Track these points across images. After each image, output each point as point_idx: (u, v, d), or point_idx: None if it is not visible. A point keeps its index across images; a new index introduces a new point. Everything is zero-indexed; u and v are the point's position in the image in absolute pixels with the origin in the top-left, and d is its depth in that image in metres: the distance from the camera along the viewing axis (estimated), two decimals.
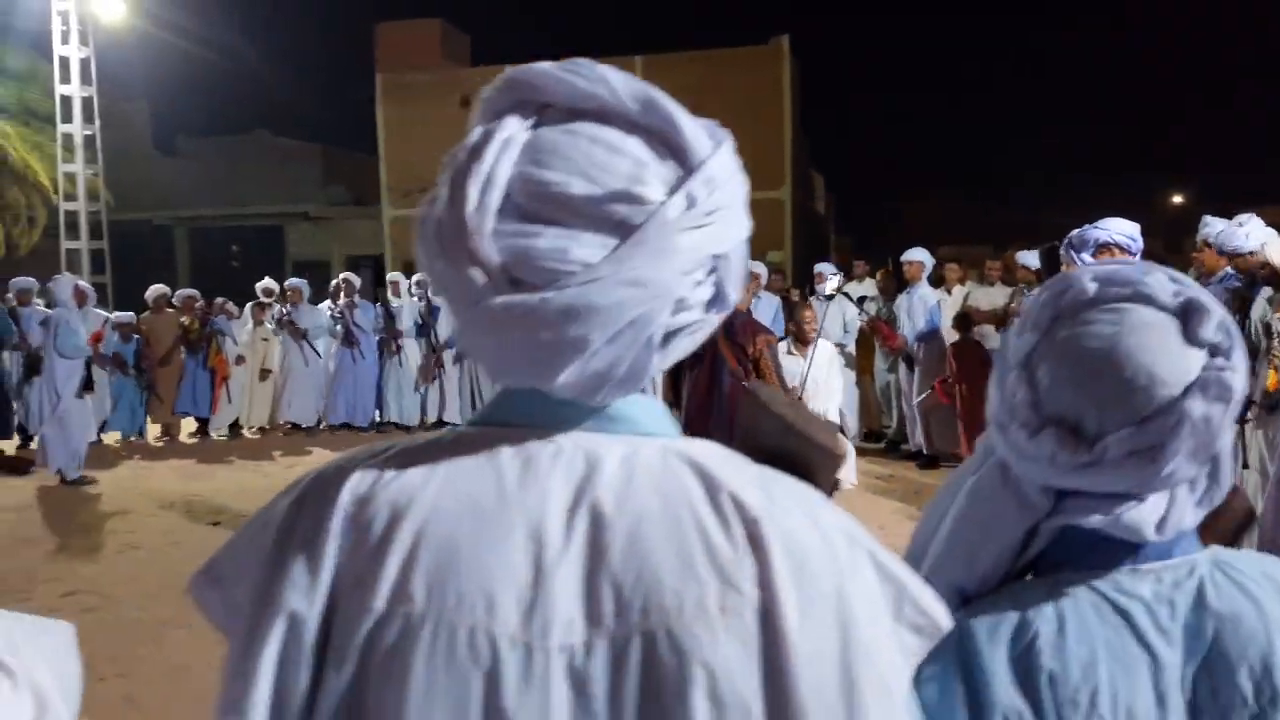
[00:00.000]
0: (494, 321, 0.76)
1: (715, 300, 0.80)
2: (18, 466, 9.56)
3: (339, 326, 11.42)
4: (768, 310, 10.24)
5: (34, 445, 10.67)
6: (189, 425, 11.63)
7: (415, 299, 11.61)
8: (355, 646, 0.75)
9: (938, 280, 10.09)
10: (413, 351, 11.50)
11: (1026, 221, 26.78)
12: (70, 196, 16.95)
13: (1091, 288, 1.03)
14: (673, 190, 0.76)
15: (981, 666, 0.98)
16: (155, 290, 11.32)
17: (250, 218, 26.54)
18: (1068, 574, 1.04)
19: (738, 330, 5.36)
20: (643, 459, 0.79)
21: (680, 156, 0.78)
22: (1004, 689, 0.97)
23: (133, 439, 11.28)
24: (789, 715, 0.72)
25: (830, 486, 0.90)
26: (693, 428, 5.67)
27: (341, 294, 11.62)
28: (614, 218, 0.75)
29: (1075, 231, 4.41)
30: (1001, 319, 8.54)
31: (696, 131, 0.79)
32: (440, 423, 11.39)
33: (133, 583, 5.96)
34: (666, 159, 0.78)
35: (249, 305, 11.84)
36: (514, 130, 0.78)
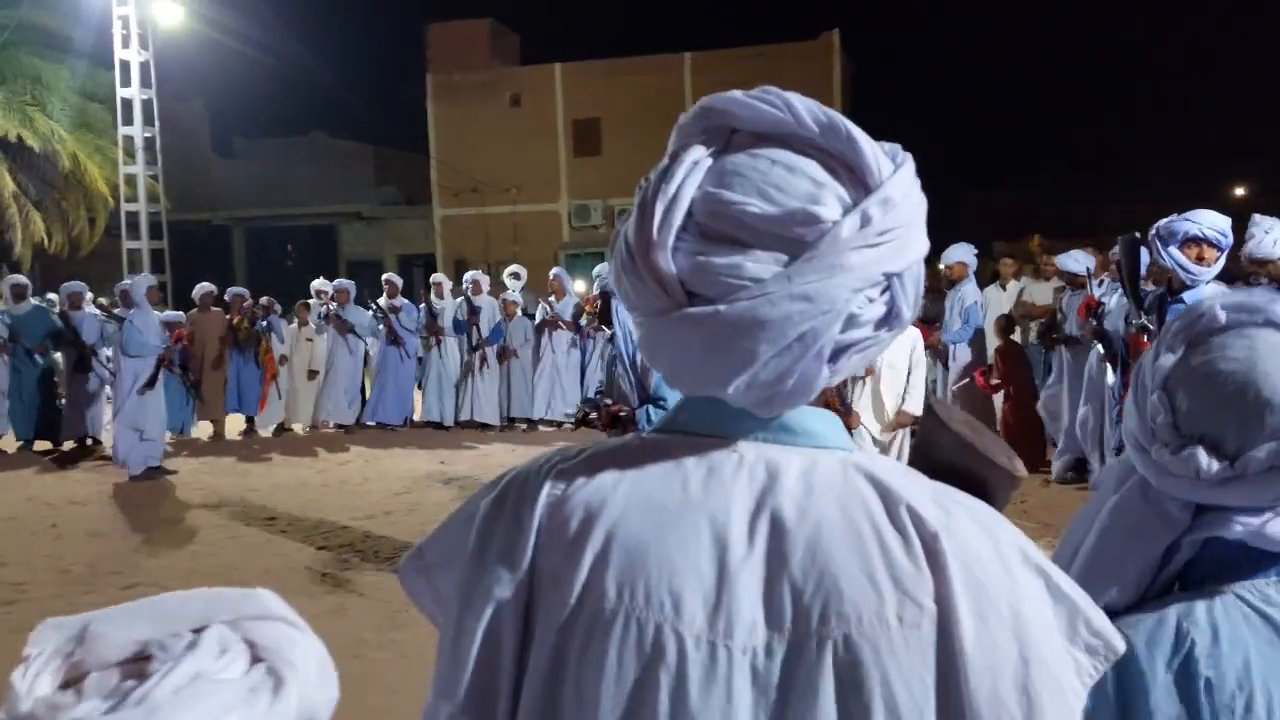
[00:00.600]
0: (670, 332, 0.82)
1: (888, 318, 0.82)
2: (70, 459, 9.84)
3: (381, 326, 11.53)
4: None
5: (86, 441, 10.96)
6: (235, 423, 11.81)
7: (458, 299, 11.69)
8: (552, 637, 0.81)
9: (993, 275, 9.92)
10: (453, 350, 11.58)
11: (1084, 214, 26.28)
12: (131, 198, 17.34)
13: (1222, 315, 1.12)
14: (848, 210, 0.79)
15: (1140, 674, 1.05)
16: (202, 289, 11.51)
17: (305, 218, 26.97)
18: (1214, 586, 1.10)
19: None
20: (822, 471, 0.82)
21: (859, 177, 0.80)
22: (1164, 696, 1.05)
23: (180, 436, 11.48)
24: None
25: (1004, 505, 0.90)
26: None
27: (385, 294, 11.73)
28: (788, 236, 0.78)
29: (1163, 222, 4.30)
30: (1052, 318, 8.34)
31: (876, 153, 0.81)
32: (471, 423, 11.45)
33: (191, 577, 6.07)
34: (845, 180, 0.81)
35: (297, 305, 12.03)
36: (702, 153, 0.83)
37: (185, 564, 6.36)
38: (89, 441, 10.90)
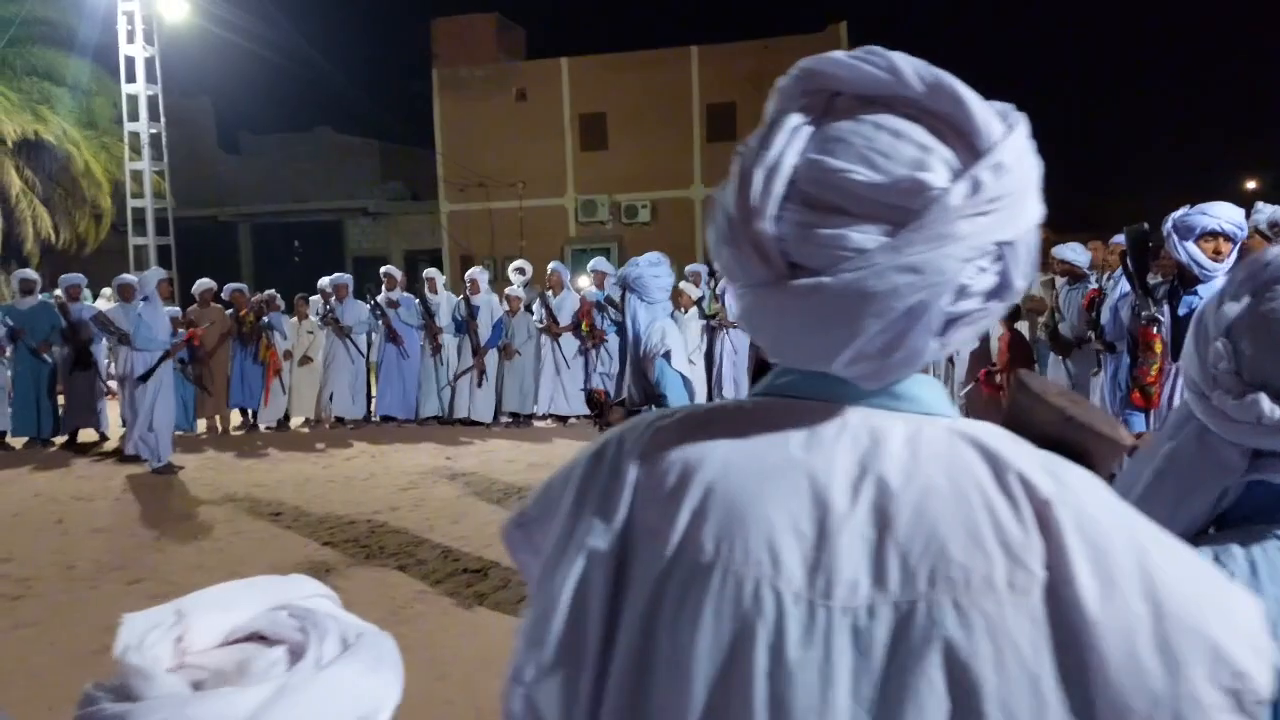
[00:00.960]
0: (772, 304, 0.80)
1: (999, 289, 0.79)
2: (79, 450, 9.86)
3: (379, 321, 11.51)
4: None
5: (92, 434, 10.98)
6: (236, 419, 11.80)
7: (456, 298, 11.64)
8: (647, 589, 0.82)
9: None
10: (450, 347, 11.54)
11: (1089, 208, 26.15)
12: (137, 194, 17.34)
13: None
14: (957, 176, 0.76)
15: None
16: (202, 285, 11.49)
17: (311, 213, 26.96)
18: (1256, 526, 1.13)
19: None
20: (927, 436, 0.81)
21: (968, 141, 0.77)
22: None
23: (183, 431, 11.47)
24: (1099, 688, 0.74)
25: (1108, 473, 0.90)
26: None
27: (383, 288, 11.72)
28: (895, 204, 0.76)
29: (1178, 215, 4.23)
30: (1051, 316, 8.20)
31: (987, 115, 0.78)
32: (470, 422, 11.43)
33: (197, 571, 6.05)
34: (953, 144, 0.77)
35: (296, 299, 12.03)
36: (802, 119, 0.80)
37: (191, 559, 6.34)
38: (99, 437, 10.93)
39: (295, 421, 11.85)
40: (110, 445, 10.75)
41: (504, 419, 11.48)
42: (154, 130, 17.20)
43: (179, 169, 18.84)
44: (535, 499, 0.96)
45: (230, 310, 11.48)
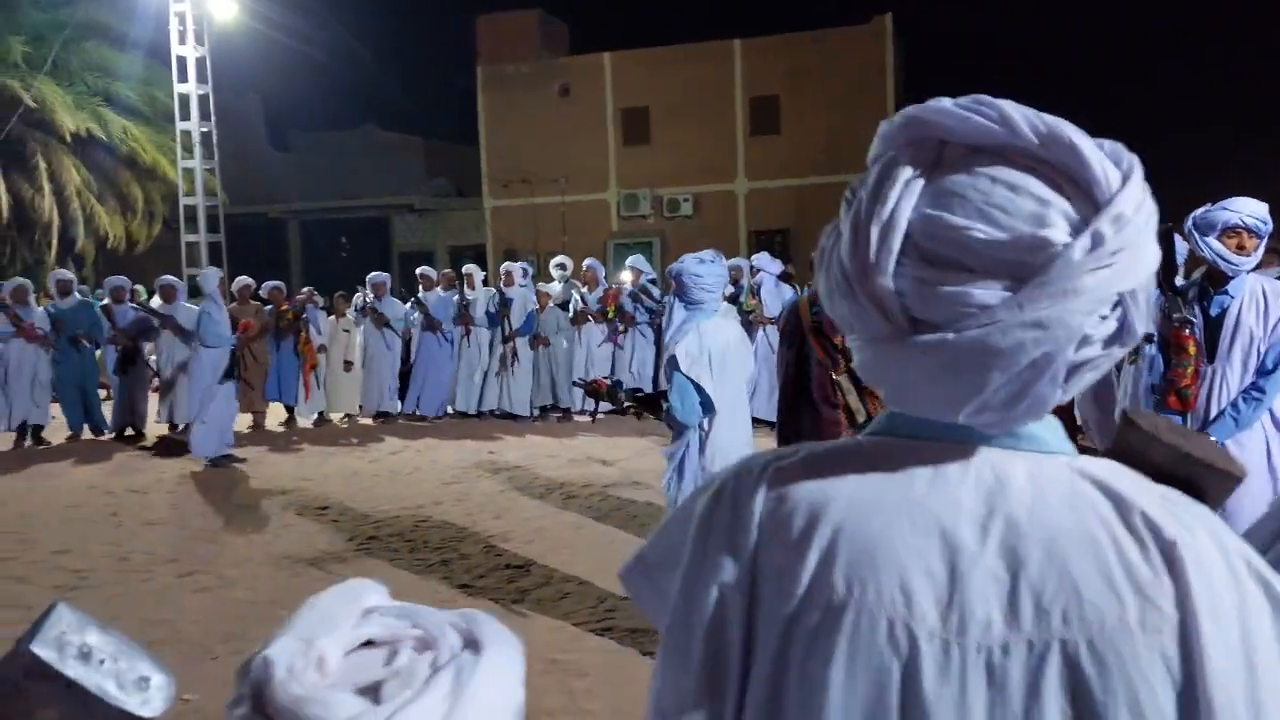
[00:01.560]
0: (895, 358, 0.82)
1: (1119, 335, 0.80)
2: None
3: (416, 316, 11.60)
4: (775, 300, 10.53)
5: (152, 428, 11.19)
6: (276, 414, 11.96)
7: (490, 291, 11.70)
8: (778, 628, 0.83)
9: None
10: (483, 341, 11.63)
11: None
12: (189, 192, 17.67)
13: None
14: (1077, 230, 0.76)
15: None
16: (240, 282, 11.65)
17: (358, 210, 27.29)
18: None
19: (825, 322, 5.26)
20: (1049, 475, 0.83)
21: (1086, 192, 0.77)
22: None
23: None
24: None
25: (1220, 506, 0.92)
26: (784, 418, 5.59)
27: (420, 288, 11.82)
28: (1016, 260, 0.76)
29: (1199, 212, 4.13)
30: None
31: (1103, 163, 0.78)
32: (506, 415, 11.52)
33: (245, 564, 6.17)
34: (1071, 195, 0.77)
35: (334, 296, 12.16)
36: (914, 171, 0.80)
37: (241, 552, 6.46)
38: (137, 433, 11.14)
39: (335, 417, 12.01)
40: (149, 440, 10.97)
41: (536, 412, 11.58)
42: (205, 129, 17.51)
43: (229, 166, 19.17)
44: (653, 543, 0.98)
45: (269, 307, 11.65)
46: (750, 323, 10.77)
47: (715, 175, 23.80)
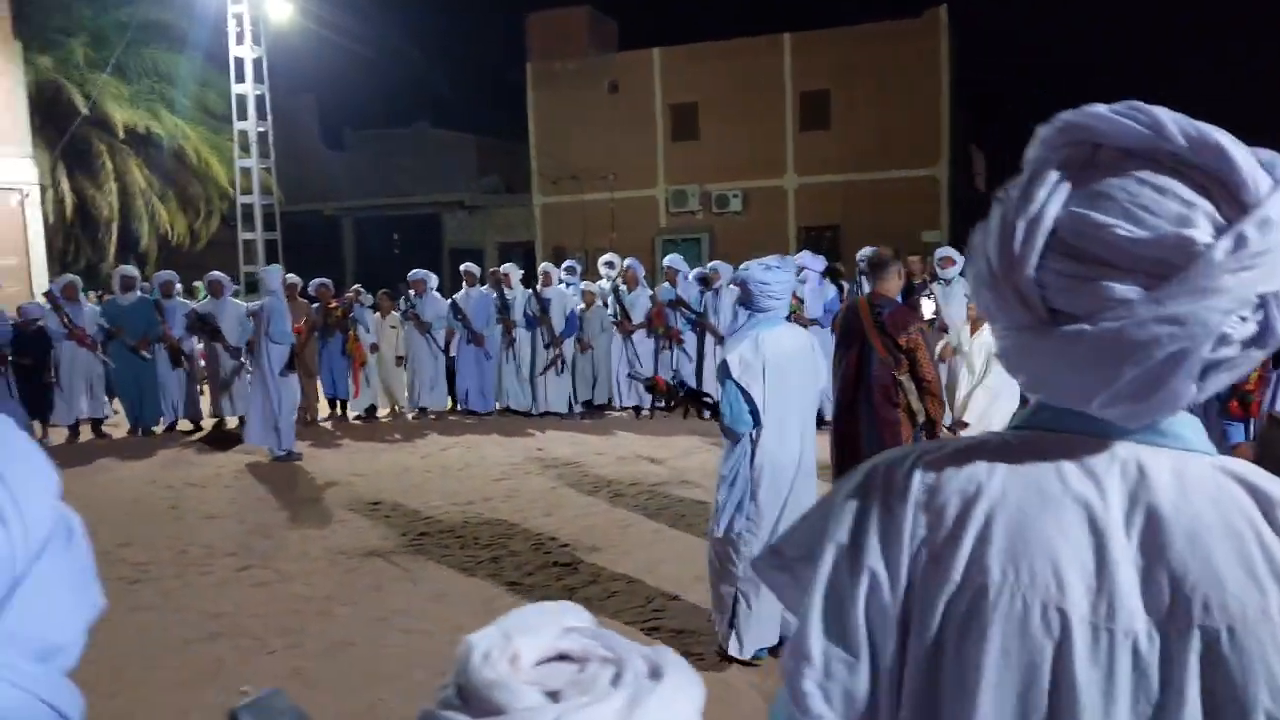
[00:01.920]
0: (1034, 347, 0.86)
1: (1259, 337, 0.82)
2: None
3: (456, 317, 11.72)
4: (817, 299, 10.49)
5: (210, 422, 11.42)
6: (324, 409, 12.13)
7: (527, 292, 11.74)
8: (936, 611, 0.87)
9: None
10: (524, 341, 11.68)
11: None
12: (246, 190, 18.02)
13: None
14: (1221, 231, 0.79)
15: None
16: (288, 280, 11.81)
17: (410, 207, 27.62)
18: None
19: (888, 321, 5.21)
20: (1193, 472, 0.86)
21: (1233, 195, 0.79)
22: None
23: None
24: None
25: None
26: (841, 418, 5.54)
27: (464, 284, 11.92)
28: (1158, 259, 0.79)
29: None
30: None
31: (1253, 168, 0.80)
32: (546, 412, 11.61)
33: (302, 559, 6.28)
34: (1218, 198, 0.80)
35: (379, 294, 12.28)
36: (1064, 172, 0.85)
37: (296, 546, 6.58)
38: (194, 426, 11.38)
39: (381, 413, 12.16)
40: (204, 432, 11.20)
41: (578, 409, 11.62)
42: (261, 129, 17.82)
43: (285, 165, 19.49)
44: (789, 536, 1.02)
45: (315, 304, 11.81)
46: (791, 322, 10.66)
47: (764, 171, 23.67)
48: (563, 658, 0.79)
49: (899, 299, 5.56)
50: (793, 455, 4.23)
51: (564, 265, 12.36)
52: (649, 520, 6.97)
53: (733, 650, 4.36)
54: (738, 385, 4.09)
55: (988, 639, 0.84)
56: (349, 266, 28.14)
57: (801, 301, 10.56)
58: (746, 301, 4.26)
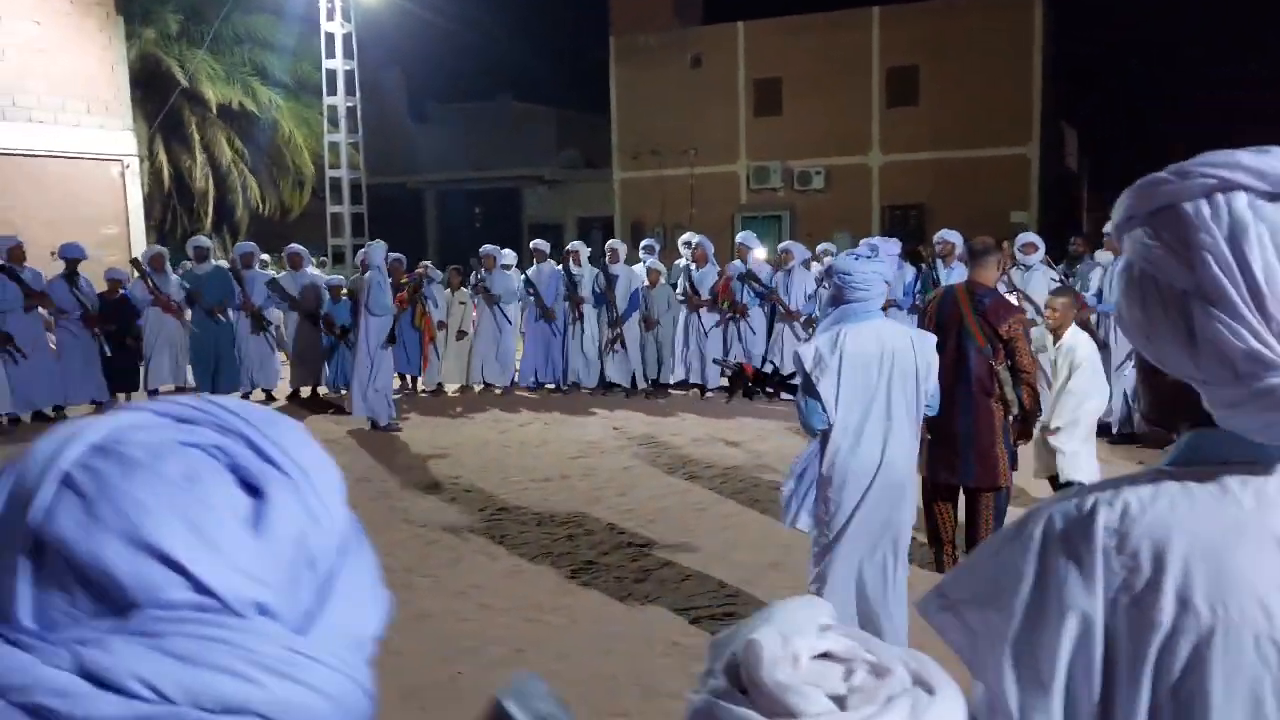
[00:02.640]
0: (1230, 395, 0.88)
1: None
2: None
3: (529, 292, 11.82)
4: (896, 282, 10.17)
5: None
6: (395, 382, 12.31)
7: (595, 270, 11.80)
8: (1148, 658, 0.88)
9: None
10: (591, 318, 11.76)
11: None
12: (334, 165, 18.41)
13: None
14: None
15: None
16: (358, 254, 12.01)
17: (491, 181, 27.89)
18: None
19: (989, 309, 5.12)
20: None
21: None
22: None
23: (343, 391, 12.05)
24: None
25: None
26: (940, 402, 5.47)
27: (534, 260, 12.01)
28: None
29: None
30: None
31: None
32: (610, 385, 11.76)
33: (383, 531, 6.44)
34: None
35: (449, 270, 12.36)
36: (1259, 216, 0.87)
37: (378, 518, 6.75)
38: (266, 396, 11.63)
39: (450, 387, 12.30)
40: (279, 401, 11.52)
41: (644, 387, 11.71)
42: (350, 104, 18.15)
43: (371, 138, 19.83)
44: (955, 579, 1.03)
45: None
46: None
47: (849, 148, 23.30)
48: (825, 655, 0.81)
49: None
50: (869, 461, 3.93)
51: (642, 244, 12.36)
52: (724, 503, 6.99)
53: None
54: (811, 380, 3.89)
55: (1211, 678, 0.85)
56: (431, 240, 28.56)
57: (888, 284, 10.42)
58: (837, 292, 4.01)
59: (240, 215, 21.55)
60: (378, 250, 9.91)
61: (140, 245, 15.30)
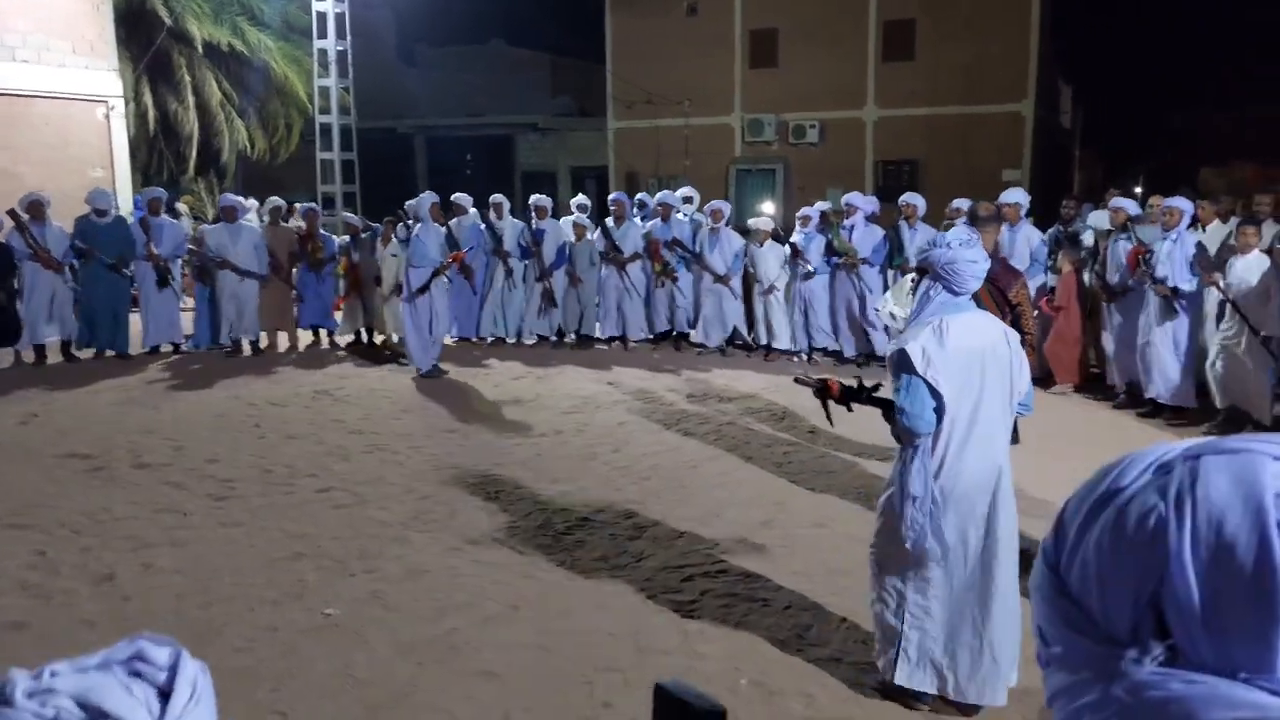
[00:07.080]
0: None
1: None
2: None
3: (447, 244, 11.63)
4: (867, 240, 10.33)
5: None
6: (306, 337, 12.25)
7: (519, 224, 11.78)
8: None
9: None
10: (519, 271, 11.79)
11: None
12: (324, 109, 18.14)
13: None
14: None
15: None
16: (271, 203, 11.75)
17: (483, 127, 27.56)
18: None
19: (996, 275, 5.18)
20: None
21: None
22: None
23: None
24: None
25: None
26: None
27: (492, 212, 11.89)
28: None
29: None
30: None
31: None
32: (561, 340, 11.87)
33: (378, 483, 6.49)
34: None
35: (384, 222, 11.90)
36: None
37: (373, 470, 6.79)
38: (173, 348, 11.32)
39: (379, 339, 11.93)
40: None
41: (569, 340, 11.91)
42: (340, 47, 17.85)
43: (361, 81, 19.54)
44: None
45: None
46: (839, 266, 10.36)
47: (844, 101, 23.09)
48: None
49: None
50: (988, 474, 3.60)
51: (635, 198, 12.27)
52: (716, 460, 7.05)
53: (899, 679, 3.74)
54: (924, 380, 3.45)
55: None
56: (420, 185, 28.28)
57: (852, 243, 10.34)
58: (950, 281, 3.57)
59: (227, 159, 21.26)
60: (424, 202, 10.06)
61: (126, 189, 15.09)
